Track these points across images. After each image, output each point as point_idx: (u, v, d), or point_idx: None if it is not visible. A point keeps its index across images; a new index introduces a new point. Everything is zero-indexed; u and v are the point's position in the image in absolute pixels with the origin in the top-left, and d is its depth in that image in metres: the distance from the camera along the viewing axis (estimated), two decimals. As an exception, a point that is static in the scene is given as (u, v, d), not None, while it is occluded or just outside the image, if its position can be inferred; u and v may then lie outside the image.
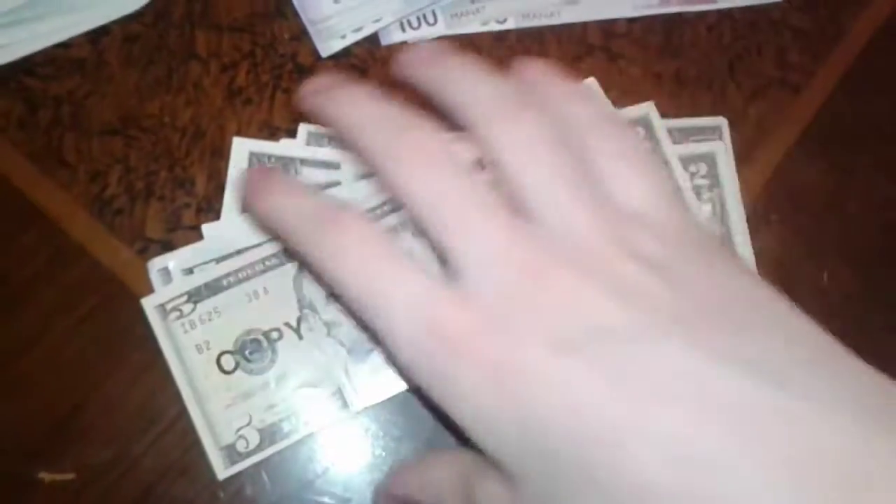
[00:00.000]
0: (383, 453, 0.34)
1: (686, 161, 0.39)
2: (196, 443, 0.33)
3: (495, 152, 0.23)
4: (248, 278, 0.34)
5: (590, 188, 0.23)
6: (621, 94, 0.40)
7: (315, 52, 0.38)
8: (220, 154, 0.37)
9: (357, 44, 0.39)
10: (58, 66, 0.37)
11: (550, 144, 0.24)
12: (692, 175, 0.39)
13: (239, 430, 0.33)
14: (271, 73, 0.38)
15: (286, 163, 0.36)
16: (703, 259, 0.23)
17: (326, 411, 0.34)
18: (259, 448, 0.33)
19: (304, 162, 0.36)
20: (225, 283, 0.34)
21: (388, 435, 0.34)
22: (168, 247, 0.35)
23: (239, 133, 0.37)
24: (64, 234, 0.35)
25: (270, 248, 0.35)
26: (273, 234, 0.26)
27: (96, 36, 0.37)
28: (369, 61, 0.39)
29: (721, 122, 0.40)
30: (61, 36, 0.37)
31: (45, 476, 0.32)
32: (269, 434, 0.33)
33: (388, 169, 0.23)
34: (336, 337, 0.35)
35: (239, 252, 0.35)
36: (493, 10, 0.41)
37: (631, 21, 0.42)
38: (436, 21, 0.40)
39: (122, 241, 0.35)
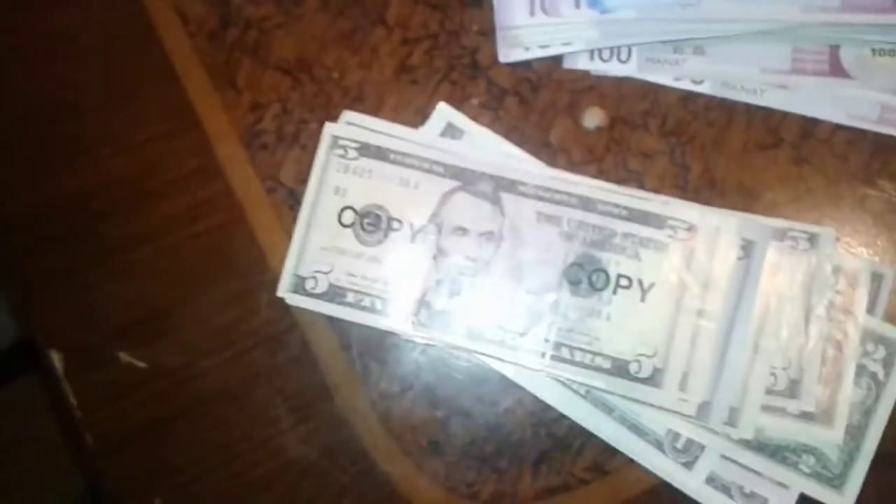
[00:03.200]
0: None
1: (868, 337, 0.36)
2: (253, 377, 0.36)
3: None
4: (411, 167, 0.37)
5: None
6: (790, 201, 0.37)
7: (495, 54, 0.38)
8: (371, 124, 0.37)
9: (539, 59, 0.37)
10: (260, -11, 0.38)
11: None
12: (866, 353, 0.36)
13: (317, 271, 0.36)
14: (446, 61, 0.38)
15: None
16: None
17: (387, 311, 0.36)
18: (321, 297, 0.36)
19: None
20: (392, 157, 0.37)
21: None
22: (293, 195, 0.37)
23: (395, 111, 0.38)
24: (211, 150, 0.37)
25: (443, 158, 0.37)
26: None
27: (302, -29, 0.38)
28: (545, 80, 0.38)
29: (887, 271, 0.36)
30: (272, -39, 0.38)
31: (123, 357, 0.36)
32: (334, 292, 0.36)
33: None
34: (438, 261, 0.36)
35: (420, 144, 0.37)
36: (693, 66, 0.38)
37: (838, 127, 0.37)
38: (628, 59, 0.38)
39: (258, 175, 0.37)
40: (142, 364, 0.36)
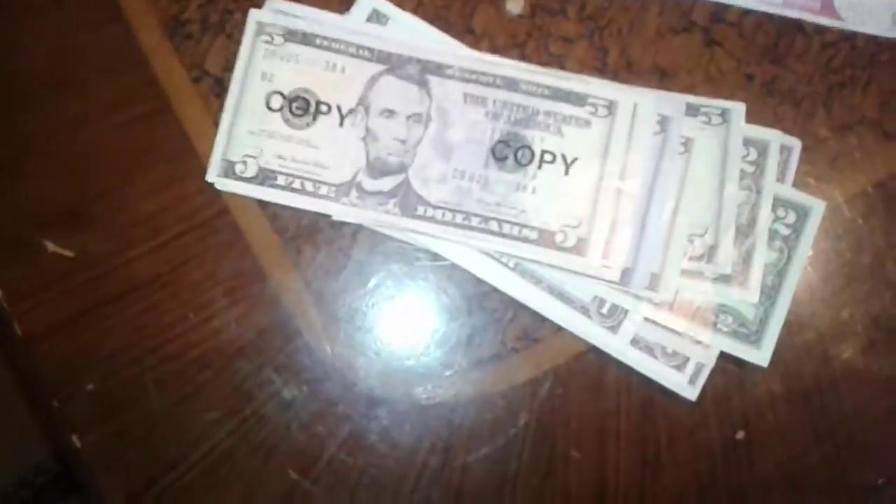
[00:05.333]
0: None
1: (779, 203, 0.37)
2: (184, 263, 0.36)
3: None
4: (337, 51, 0.37)
5: None
6: (704, 82, 0.39)
7: (416, -56, 0.38)
8: (296, 13, 0.38)
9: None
10: None
11: None
12: (778, 218, 0.38)
13: (246, 155, 0.36)
14: (369, -49, 0.38)
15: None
16: None
17: (318, 193, 0.36)
18: (251, 180, 0.36)
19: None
20: (318, 41, 0.37)
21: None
22: (220, 83, 0.37)
23: (319, -1, 0.38)
24: (136, 41, 0.37)
25: (369, 43, 0.37)
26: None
27: None
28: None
29: (794, 143, 0.38)
30: None
31: (50, 245, 0.36)
32: (264, 175, 0.36)
33: None
34: (367, 143, 0.37)
35: (346, 29, 0.37)
36: (608, -45, 0.39)
37: (745, 12, 0.39)
38: (547, -51, 0.39)
39: (183, 65, 0.37)
40: (69, 253, 0.36)
